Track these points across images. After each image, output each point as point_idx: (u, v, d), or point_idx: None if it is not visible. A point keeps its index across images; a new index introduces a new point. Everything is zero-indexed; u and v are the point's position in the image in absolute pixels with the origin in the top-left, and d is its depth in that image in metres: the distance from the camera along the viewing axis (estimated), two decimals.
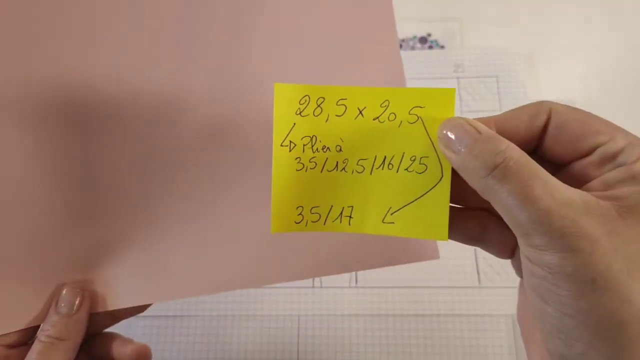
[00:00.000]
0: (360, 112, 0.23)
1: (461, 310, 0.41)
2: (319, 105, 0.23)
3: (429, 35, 0.52)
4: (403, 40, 0.52)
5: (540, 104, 0.22)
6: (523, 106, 0.22)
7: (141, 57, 0.31)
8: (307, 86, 0.23)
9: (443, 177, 0.22)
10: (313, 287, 0.42)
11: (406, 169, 0.23)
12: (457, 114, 0.35)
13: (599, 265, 0.17)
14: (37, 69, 0.30)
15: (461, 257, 0.43)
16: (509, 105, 0.47)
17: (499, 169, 0.19)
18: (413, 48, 0.51)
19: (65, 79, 0.30)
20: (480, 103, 0.47)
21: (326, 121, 0.23)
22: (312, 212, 0.24)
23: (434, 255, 0.31)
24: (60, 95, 0.30)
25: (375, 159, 0.23)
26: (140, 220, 0.31)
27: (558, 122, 0.21)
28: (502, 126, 0.22)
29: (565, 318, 0.18)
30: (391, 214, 0.23)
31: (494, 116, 0.22)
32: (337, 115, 0.23)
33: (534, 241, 0.18)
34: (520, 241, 0.19)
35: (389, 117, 0.23)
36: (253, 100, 0.31)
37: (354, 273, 0.42)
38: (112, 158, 0.30)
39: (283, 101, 0.23)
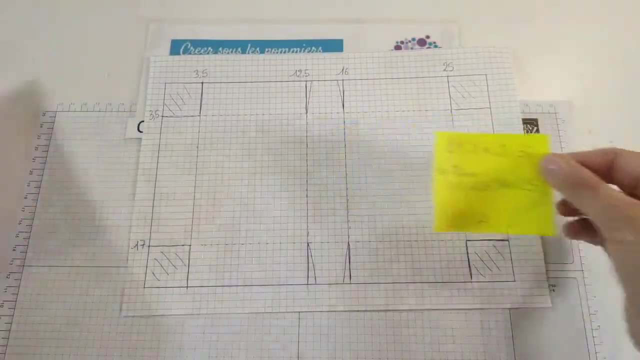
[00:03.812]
0: (488, 151, 0.35)
1: (454, 305, 0.42)
2: (459, 145, 0.35)
3: (428, 37, 0.52)
4: (402, 42, 0.52)
5: (609, 148, 0.32)
6: (596, 149, 0.32)
7: None
8: (453, 133, 0.37)
9: (547, 193, 0.34)
10: (307, 284, 0.42)
11: (521, 188, 0.34)
12: (447, 111, 0.45)
13: None
14: None
15: (452, 253, 0.43)
16: (498, 102, 0.48)
17: (584, 187, 0.30)
18: (412, 50, 0.52)
19: None
20: (469, 100, 0.48)
21: (465, 156, 0.35)
22: (460, 218, 0.35)
23: None
24: None
25: (499, 182, 0.35)
26: None
27: (621, 163, 0.31)
28: (581, 161, 0.31)
29: None
30: (513, 219, 0.35)
31: (575, 153, 0.32)
32: (470, 152, 0.35)
33: (615, 236, 0.27)
34: (606, 236, 0.28)
35: (506, 153, 0.34)
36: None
37: (347, 270, 0.43)
38: None
39: (440, 144, 0.36)
